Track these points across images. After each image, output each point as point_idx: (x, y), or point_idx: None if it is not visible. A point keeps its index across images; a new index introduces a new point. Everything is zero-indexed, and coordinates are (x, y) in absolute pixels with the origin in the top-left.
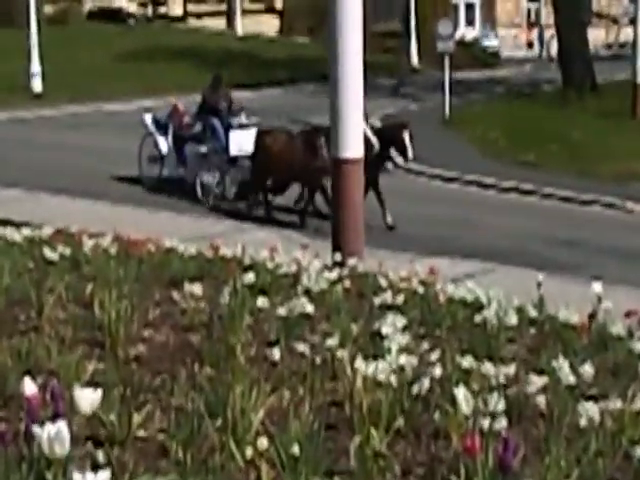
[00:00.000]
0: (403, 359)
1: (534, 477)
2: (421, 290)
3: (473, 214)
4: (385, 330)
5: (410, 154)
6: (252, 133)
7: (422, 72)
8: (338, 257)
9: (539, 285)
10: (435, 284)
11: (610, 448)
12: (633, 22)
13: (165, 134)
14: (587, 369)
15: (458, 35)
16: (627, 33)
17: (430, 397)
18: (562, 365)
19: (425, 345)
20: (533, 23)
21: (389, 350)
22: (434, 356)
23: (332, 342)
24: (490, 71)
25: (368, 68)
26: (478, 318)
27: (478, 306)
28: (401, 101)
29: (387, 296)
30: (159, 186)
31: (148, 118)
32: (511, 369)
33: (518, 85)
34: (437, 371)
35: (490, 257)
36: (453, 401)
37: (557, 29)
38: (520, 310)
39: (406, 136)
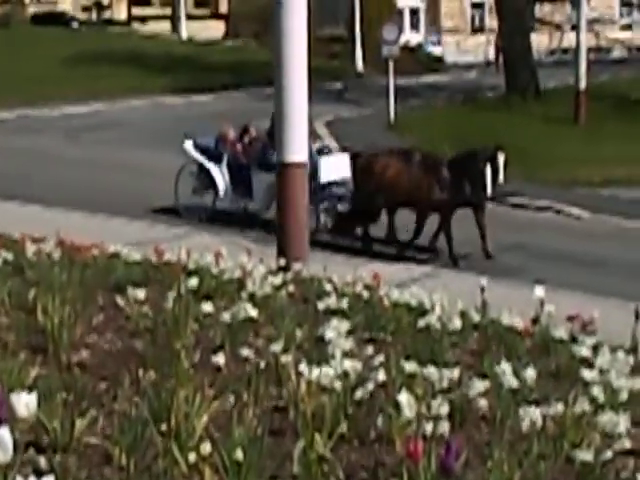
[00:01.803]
0: (347, 364)
1: None
2: (365, 295)
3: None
4: (329, 335)
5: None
6: (343, 158)
7: (367, 77)
8: (283, 262)
9: (482, 290)
10: (379, 289)
11: (552, 452)
12: (575, 28)
13: (218, 162)
14: (529, 373)
15: (403, 40)
16: (570, 39)
17: (374, 402)
18: (504, 369)
19: (369, 350)
20: (477, 29)
21: (333, 355)
22: (378, 361)
23: (276, 347)
24: (434, 76)
25: (313, 73)
26: (422, 323)
27: (422, 311)
28: (346, 106)
29: (331, 301)
30: (212, 218)
31: (189, 145)
32: (454, 373)
33: (463, 91)
34: (381, 376)
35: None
36: (396, 406)
37: (501, 35)
38: (463, 314)
39: (486, 168)
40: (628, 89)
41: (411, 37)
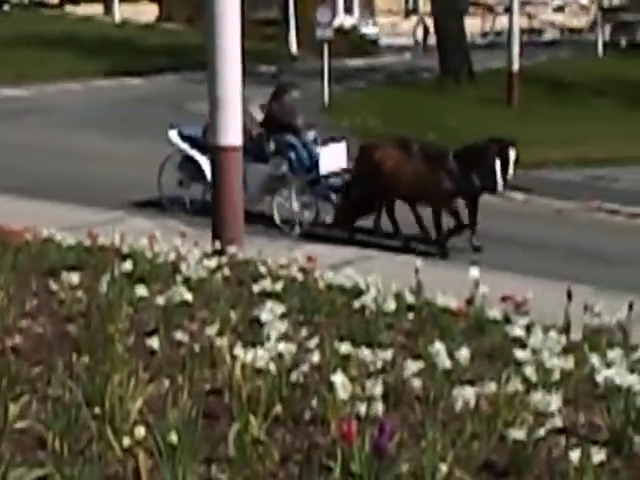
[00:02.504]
0: (282, 346)
1: (410, 461)
2: (300, 277)
3: None
4: (264, 317)
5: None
6: (341, 148)
7: (301, 60)
8: (218, 245)
9: (417, 271)
10: (314, 271)
11: (485, 431)
12: (508, 11)
13: (207, 153)
14: (463, 353)
15: (337, 22)
16: (503, 22)
17: (309, 384)
18: (438, 350)
19: (304, 332)
20: (411, 11)
21: (268, 337)
22: (313, 343)
23: (211, 330)
24: (369, 59)
25: (247, 56)
26: (357, 304)
27: (357, 292)
28: None
29: (266, 283)
30: (201, 211)
31: (174, 134)
32: (388, 354)
33: (397, 73)
34: (315, 358)
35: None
36: (331, 387)
37: (434, 17)
38: (398, 296)
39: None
40: (561, 71)
41: (345, 19)
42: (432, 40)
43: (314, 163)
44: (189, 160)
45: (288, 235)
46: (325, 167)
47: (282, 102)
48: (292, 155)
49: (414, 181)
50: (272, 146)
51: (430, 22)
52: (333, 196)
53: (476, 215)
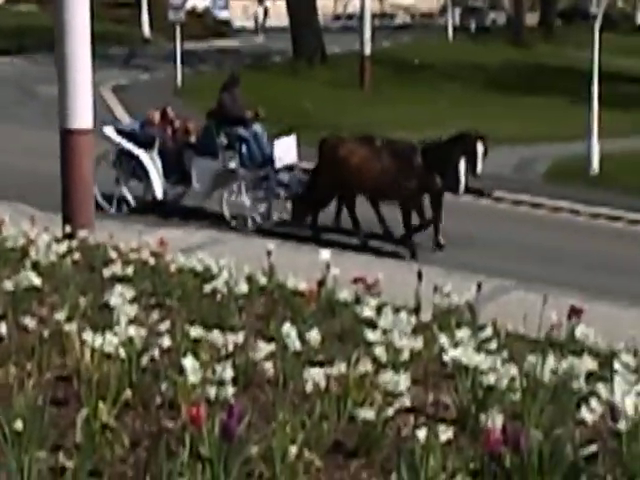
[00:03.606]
0: (132, 330)
1: (260, 443)
2: (152, 261)
3: None
4: (114, 302)
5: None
6: (292, 142)
7: (154, 42)
8: (68, 229)
9: (269, 254)
10: (165, 255)
11: (335, 411)
12: None
13: (148, 148)
14: (314, 335)
15: (189, 5)
16: (355, 5)
17: (159, 368)
18: (289, 332)
19: (155, 316)
20: None
21: (118, 322)
22: (163, 327)
23: (60, 316)
24: (222, 41)
25: (99, 38)
26: (208, 288)
27: (209, 276)
28: (133, 71)
29: (117, 268)
30: (142, 209)
31: (110, 130)
32: (240, 337)
33: (250, 55)
34: (166, 341)
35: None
36: (182, 371)
37: (287, 1)
38: (250, 279)
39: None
40: (411, 55)
41: (198, 2)
42: (273, 22)
43: (266, 157)
44: (126, 156)
45: (241, 231)
46: (279, 161)
47: (233, 94)
48: (244, 149)
49: (380, 178)
50: (223, 139)
51: (270, 4)
52: (282, 192)
53: (441, 212)
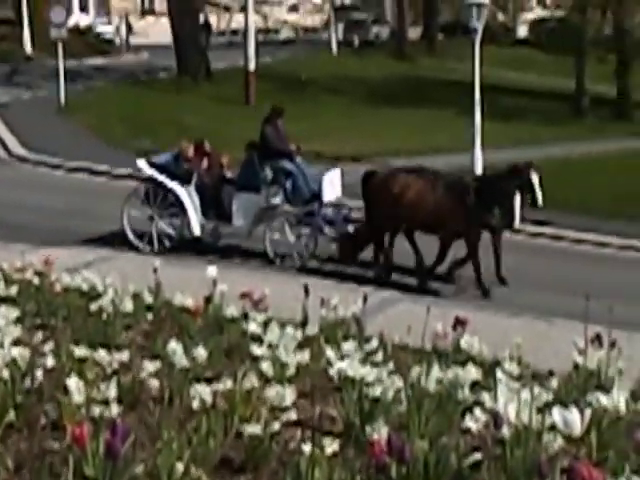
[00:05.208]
0: (15, 351)
1: (146, 461)
2: (36, 281)
3: (93, 203)
4: None
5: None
6: (337, 176)
7: (37, 60)
8: None
9: (155, 271)
10: (50, 274)
11: (222, 427)
12: (244, 10)
13: (185, 183)
14: (200, 352)
15: (72, 22)
16: (239, 21)
17: (43, 388)
18: (175, 349)
19: (39, 336)
20: (147, 11)
21: (1, 343)
22: (48, 347)
23: None
24: (105, 58)
25: None
26: (94, 306)
27: (95, 294)
28: (15, 89)
29: (0, 288)
30: (179, 247)
31: (144, 164)
32: (125, 355)
33: (135, 72)
34: (50, 362)
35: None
36: (66, 391)
37: (170, 17)
38: (136, 297)
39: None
40: (296, 69)
41: (81, 19)
42: (136, 39)
43: (312, 192)
44: (161, 191)
45: (285, 270)
46: (327, 197)
47: (276, 125)
48: (289, 184)
49: (436, 213)
50: (268, 173)
51: (134, 20)
52: (327, 229)
53: (498, 249)
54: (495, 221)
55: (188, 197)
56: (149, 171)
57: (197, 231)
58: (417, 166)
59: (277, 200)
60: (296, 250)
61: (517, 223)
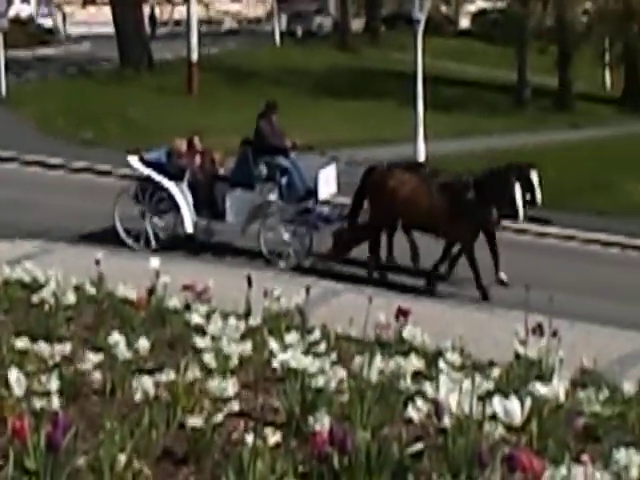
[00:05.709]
0: None
1: (88, 453)
2: None
3: (35, 195)
4: None
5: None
6: (332, 172)
7: None
8: None
9: (98, 262)
10: None
11: (164, 419)
12: (186, 1)
13: (177, 180)
14: (143, 343)
15: (12, 13)
16: (181, 11)
17: None
18: (117, 341)
19: None
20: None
21: None
22: None
23: None
24: (47, 49)
25: None
26: (35, 299)
27: (36, 287)
28: None
29: None
30: (171, 245)
31: (135, 161)
32: (67, 348)
33: (77, 63)
34: None
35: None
36: (7, 384)
37: (112, 7)
38: (79, 289)
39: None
40: (239, 60)
41: (22, 9)
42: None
43: (307, 189)
44: (153, 188)
45: (279, 268)
46: (322, 194)
47: (271, 121)
48: (284, 180)
49: (432, 212)
50: (263, 170)
51: (74, 9)
52: (322, 225)
53: (495, 249)
54: (493, 220)
55: (181, 194)
56: (141, 168)
57: (190, 228)
58: (414, 162)
59: (272, 197)
60: (291, 248)
61: (521, 215)
